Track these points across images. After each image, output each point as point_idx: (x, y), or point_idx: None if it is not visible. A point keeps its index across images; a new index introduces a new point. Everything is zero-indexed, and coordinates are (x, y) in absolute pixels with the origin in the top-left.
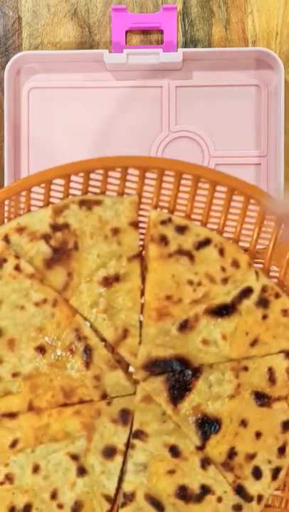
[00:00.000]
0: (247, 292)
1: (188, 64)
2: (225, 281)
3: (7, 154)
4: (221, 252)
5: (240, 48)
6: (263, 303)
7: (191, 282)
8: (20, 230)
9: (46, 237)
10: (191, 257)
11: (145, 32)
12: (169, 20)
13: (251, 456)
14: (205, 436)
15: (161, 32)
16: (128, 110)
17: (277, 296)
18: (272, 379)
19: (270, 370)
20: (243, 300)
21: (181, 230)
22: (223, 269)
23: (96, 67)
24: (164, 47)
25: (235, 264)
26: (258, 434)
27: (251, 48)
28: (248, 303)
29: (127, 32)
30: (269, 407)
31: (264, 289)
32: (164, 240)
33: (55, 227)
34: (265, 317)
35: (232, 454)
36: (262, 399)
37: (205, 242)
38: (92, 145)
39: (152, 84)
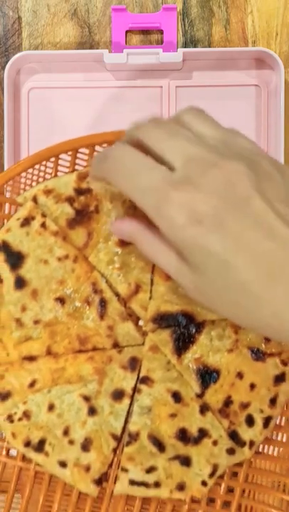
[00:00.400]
0: None
1: (188, 64)
2: None
3: (7, 154)
4: None
5: (240, 48)
6: None
7: None
8: (48, 192)
9: (70, 200)
10: None
11: (145, 32)
12: (169, 20)
13: (245, 405)
14: (204, 385)
15: (161, 32)
16: (128, 110)
17: None
18: (266, 337)
19: None
20: None
21: None
22: None
23: (96, 67)
24: (164, 47)
25: None
26: (252, 386)
27: (251, 48)
28: None
29: (127, 32)
30: (263, 362)
31: None
32: None
33: (79, 192)
34: None
35: (228, 402)
36: (257, 354)
37: None
38: None
39: (152, 84)
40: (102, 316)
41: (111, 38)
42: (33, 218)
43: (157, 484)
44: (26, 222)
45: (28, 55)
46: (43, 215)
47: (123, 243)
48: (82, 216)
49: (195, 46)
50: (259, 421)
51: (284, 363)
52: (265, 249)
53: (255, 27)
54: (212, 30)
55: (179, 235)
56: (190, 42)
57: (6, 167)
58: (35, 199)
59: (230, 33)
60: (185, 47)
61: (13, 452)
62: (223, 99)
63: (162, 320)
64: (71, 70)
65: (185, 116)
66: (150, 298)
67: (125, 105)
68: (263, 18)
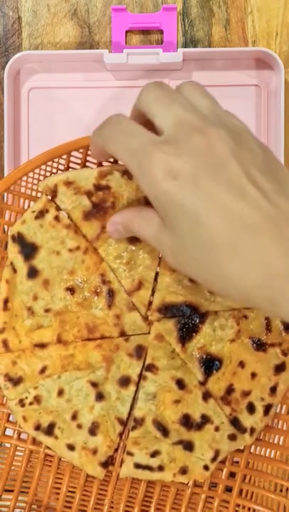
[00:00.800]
0: None
1: (188, 64)
2: None
3: (7, 154)
4: None
5: (240, 48)
6: None
7: None
8: (68, 183)
9: (89, 194)
10: None
11: (145, 32)
12: (169, 20)
13: (246, 393)
14: (207, 373)
15: (161, 32)
16: (128, 110)
17: None
18: (268, 328)
19: (267, 319)
20: None
21: None
22: None
23: (96, 67)
24: (164, 47)
25: None
26: (254, 375)
27: (251, 48)
28: None
29: (127, 32)
30: (264, 352)
31: None
32: None
33: (98, 187)
34: None
35: (230, 390)
36: (258, 344)
37: None
38: None
39: None
40: (109, 305)
41: (111, 38)
42: (47, 211)
43: (161, 468)
44: (41, 214)
45: (28, 55)
46: (57, 209)
47: (133, 239)
48: (99, 210)
49: (195, 46)
50: (260, 408)
51: (284, 353)
52: (235, 208)
53: (255, 27)
54: (212, 30)
55: (157, 190)
56: (190, 42)
57: (6, 167)
58: (55, 188)
59: (230, 33)
60: (185, 47)
61: (23, 436)
62: (223, 99)
63: (167, 310)
64: (71, 70)
65: (185, 87)
66: (153, 293)
67: (125, 105)
68: (263, 18)
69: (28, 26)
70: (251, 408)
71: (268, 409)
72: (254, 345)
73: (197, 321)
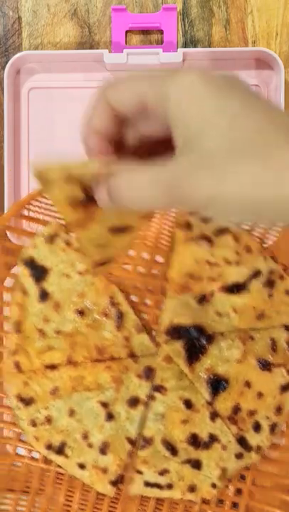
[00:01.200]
0: (256, 274)
1: (188, 64)
2: (238, 263)
3: (7, 154)
4: (236, 238)
5: (240, 48)
6: (270, 283)
7: (209, 263)
8: None
9: None
10: (210, 241)
11: (145, 32)
12: (169, 20)
13: (253, 413)
14: (214, 393)
15: (161, 32)
16: None
17: (281, 278)
18: (273, 348)
19: (272, 340)
20: (253, 280)
21: (205, 220)
22: (237, 253)
23: (96, 67)
24: (164, 47)
25: (248, 249)
26: (260, 394)
27: (251, 48)
28: (257, 283)
29: (127, 32)
30: (270, 372)
31: (271, 272)
32: (188, 226)
33: None
34: (270, 295)
35: (236, 409)
36: (264, 364)
37: (223, 230)
38: None
39: None
40: (118, 327)
41: (111, 38)
42: (57, 235)
43: (170, 486)
44: (51, 239)
45: (28, 55)
46: (67, 232)
47: None
48: None
49: (195, 46)
50: (266, 427)
51: None
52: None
53: (255, 27)
54: (212, 30)
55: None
56: (190, 42)
57: (5, 167)
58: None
59: (230, 33)
60: (185, 47)
61: (34, 454)
62: None
63: (175, 332)
64: (71, 70)
65: None
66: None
67: None
68: (263, 18)
69: (28, 26)
70: (257, 427)
71: (273, 427)
72: (260, 365)
73: (204, 342)
